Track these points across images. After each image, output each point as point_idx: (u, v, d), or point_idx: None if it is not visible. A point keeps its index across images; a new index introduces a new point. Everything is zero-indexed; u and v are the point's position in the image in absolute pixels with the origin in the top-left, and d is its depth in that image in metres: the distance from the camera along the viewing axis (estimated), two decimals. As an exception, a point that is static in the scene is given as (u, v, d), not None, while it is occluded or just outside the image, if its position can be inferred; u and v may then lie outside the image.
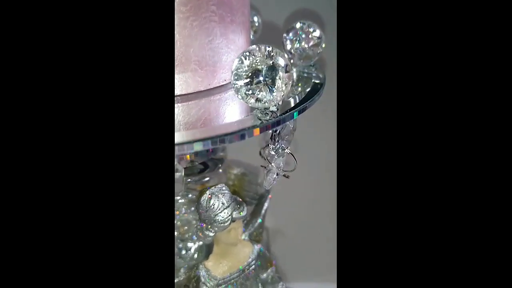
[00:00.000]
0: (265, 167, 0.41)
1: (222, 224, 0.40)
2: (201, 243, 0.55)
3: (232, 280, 0.44)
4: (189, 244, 0.54)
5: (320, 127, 0.58)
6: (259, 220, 0.50)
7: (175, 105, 0.33)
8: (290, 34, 0.42)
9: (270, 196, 0.52)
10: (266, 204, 0.51)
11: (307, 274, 0.62)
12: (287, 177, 0.42)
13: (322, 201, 0.66)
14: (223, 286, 0.44)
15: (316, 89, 0.37)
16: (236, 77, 0.30)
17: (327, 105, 0.41)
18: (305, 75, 0.42)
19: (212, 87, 0.36)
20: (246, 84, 0.30)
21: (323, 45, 0.42)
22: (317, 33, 0.41)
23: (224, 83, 0.37)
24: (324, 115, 0.53)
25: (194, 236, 0.52)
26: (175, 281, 0.44)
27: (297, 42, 0.42)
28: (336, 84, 0.33)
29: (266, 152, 0.41)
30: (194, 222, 0.53)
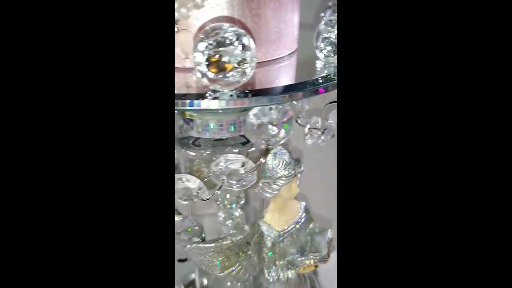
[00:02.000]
0: (317, 129, 0.48)
1: (287, 178, 0.46)
2: (241, 212, 0.61)
3: (290, 232, 0.50)
4: (235, 213, 0.59)
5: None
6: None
7: (262, 69, 0.39)
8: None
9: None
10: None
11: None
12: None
13: (322, 172, 0.68)
14: (285, 236, 0.49)
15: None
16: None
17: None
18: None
19: (282, 55, 0.42)
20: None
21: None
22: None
23: (290, 52, 0.43)
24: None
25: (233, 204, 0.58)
26: (241, 237, 0.49)
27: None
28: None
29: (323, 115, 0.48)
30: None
